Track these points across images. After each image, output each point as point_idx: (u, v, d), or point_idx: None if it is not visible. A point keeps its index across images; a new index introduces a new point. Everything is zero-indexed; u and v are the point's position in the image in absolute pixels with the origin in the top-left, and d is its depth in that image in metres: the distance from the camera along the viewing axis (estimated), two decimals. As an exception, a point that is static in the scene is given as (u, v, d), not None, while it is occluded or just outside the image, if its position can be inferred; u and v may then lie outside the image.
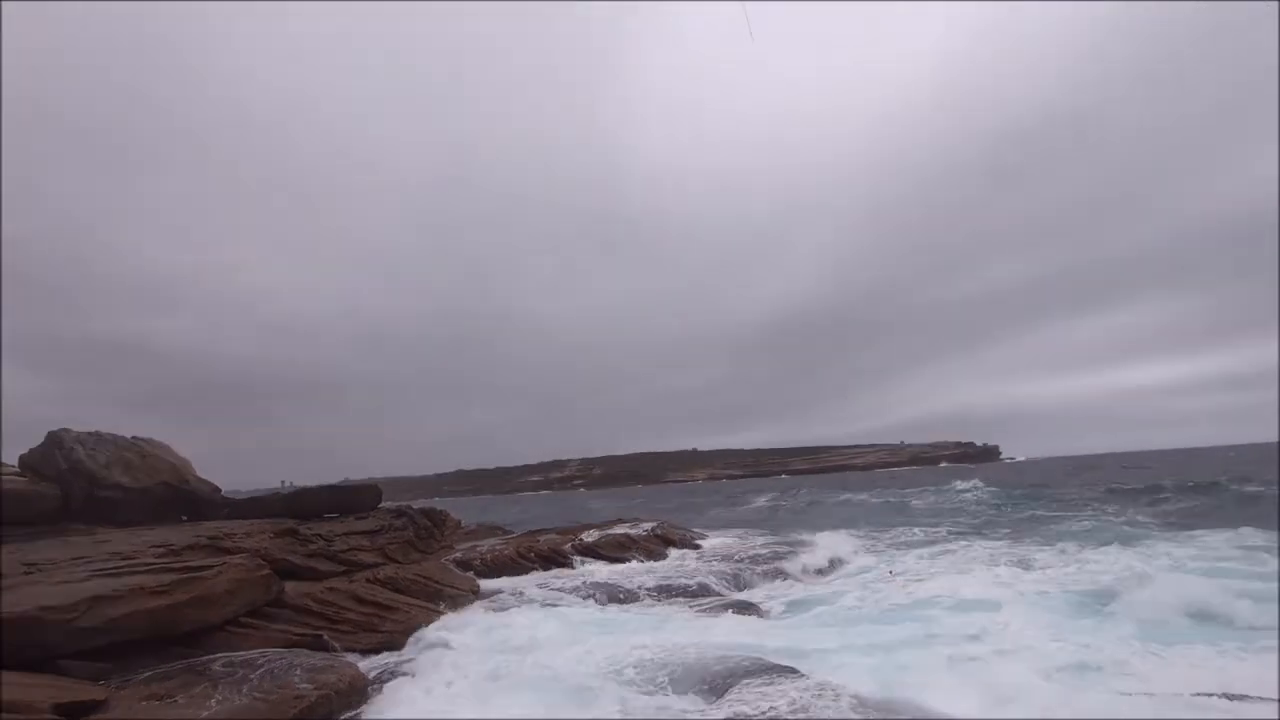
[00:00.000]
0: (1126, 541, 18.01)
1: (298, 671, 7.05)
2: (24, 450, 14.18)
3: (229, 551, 10.66)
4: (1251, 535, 16.66)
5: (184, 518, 15.78)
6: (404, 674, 8.10)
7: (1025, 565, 15.34)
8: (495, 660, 8.19)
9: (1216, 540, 16.84)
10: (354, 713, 6.59)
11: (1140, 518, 23.97)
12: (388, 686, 7.50)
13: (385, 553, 15.58)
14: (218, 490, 16.82)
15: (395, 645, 9.64)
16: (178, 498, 15.35)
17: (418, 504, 31.03)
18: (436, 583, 13.55)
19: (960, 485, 43.43)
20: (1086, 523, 23.22)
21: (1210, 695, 6.21)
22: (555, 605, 12.62)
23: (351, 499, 17.95)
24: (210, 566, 9.10)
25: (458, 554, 18.46)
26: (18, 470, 13.63)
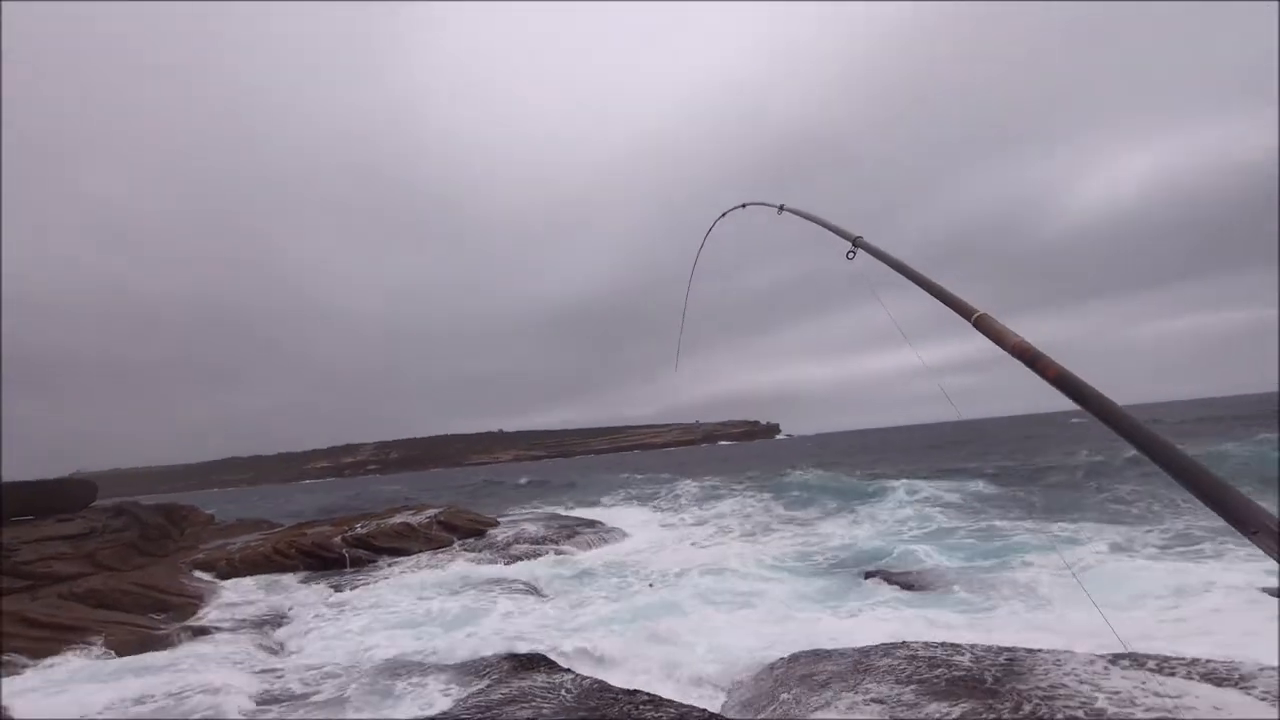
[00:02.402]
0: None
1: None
2: None
3: None
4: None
5: None
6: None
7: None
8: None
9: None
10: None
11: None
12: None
13: (95, 559, 13.11)
14: None
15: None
16: None
17: (161, 499, 26.86)
18: (159, 591, 11.60)
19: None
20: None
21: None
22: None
23: (52, 497, 14.88)
24: None
25: (200, 555, 16.11)
26: None
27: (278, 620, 10.48)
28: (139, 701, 6.32)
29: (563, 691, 5.80)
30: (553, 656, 7.39)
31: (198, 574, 14.31)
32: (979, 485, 21.20)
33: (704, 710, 5.16)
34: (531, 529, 20.48)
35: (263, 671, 7.41)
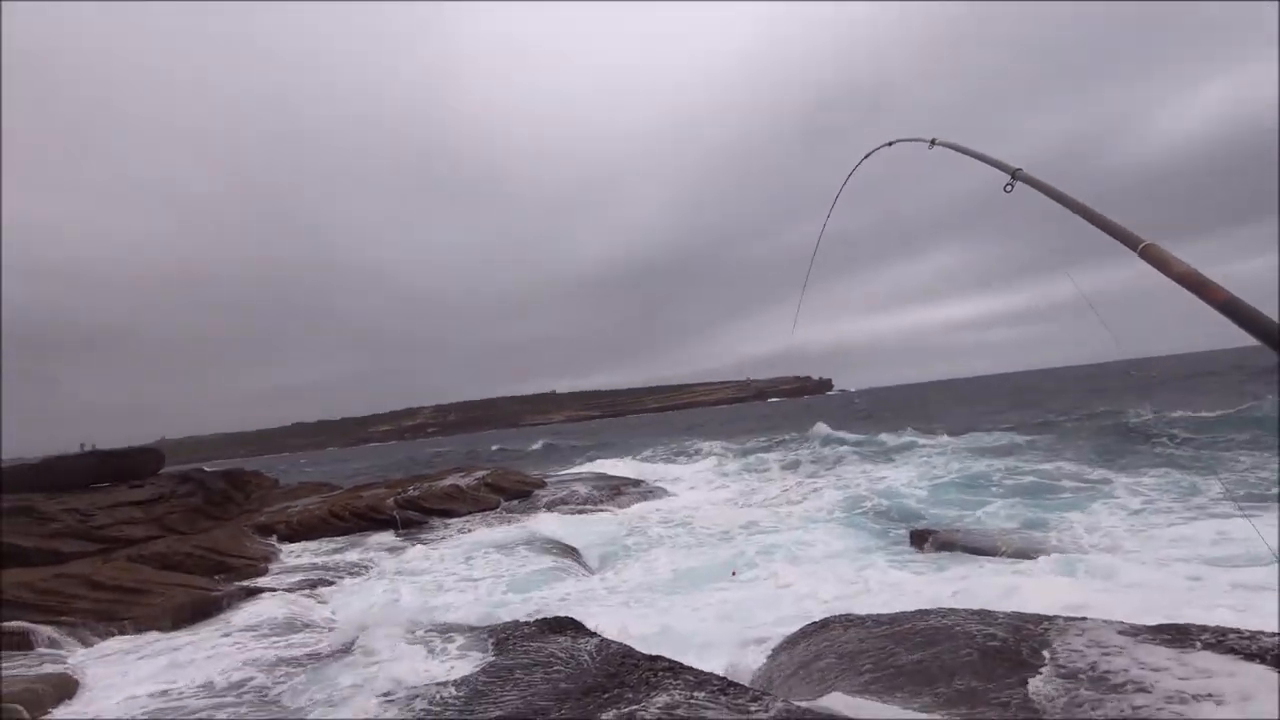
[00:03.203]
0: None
1: (-22, 682, 5.88)
2: None
3: (-79, 542, 8.82)
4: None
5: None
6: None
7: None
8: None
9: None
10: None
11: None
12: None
13: (164, 524, 13.87)
14: (-65, 465, 14.02)
15: (146, 629, 8.45)
16: None
17: (235, 463, 28.29)
18: (220, 554, 12.19)
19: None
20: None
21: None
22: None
23: (125, 465, 15.74)
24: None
25: (262, 518, 16.87)
26: None
27: (324, 581, 10.87)
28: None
29: (584, 655, 5.76)
30: (582, 619, 7.40)
31: (258, 537, 14.99)
32: (1026, 439, 20.33)
33: (723, 678, 5.03)
34: (578, 489, 20.71)
35: (296, 629, 7.68)
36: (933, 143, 3.24)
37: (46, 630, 7.68)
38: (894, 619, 6.08)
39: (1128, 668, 3.83)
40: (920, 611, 6.08)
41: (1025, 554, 8.56)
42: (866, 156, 4.35)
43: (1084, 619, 5.09)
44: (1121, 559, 7.76)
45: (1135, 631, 4.57)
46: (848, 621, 6.37)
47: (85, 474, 14.88)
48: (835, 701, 4.36)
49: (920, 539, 10.42)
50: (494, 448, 59.31)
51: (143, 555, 11.15)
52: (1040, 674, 4.05)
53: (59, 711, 5.58)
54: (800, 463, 22.88)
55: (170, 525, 13.85)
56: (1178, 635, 4.32)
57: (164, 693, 6.02)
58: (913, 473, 17.41)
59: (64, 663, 6.71)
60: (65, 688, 5.99)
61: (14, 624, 7.69)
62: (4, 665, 6.65)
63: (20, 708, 5.35)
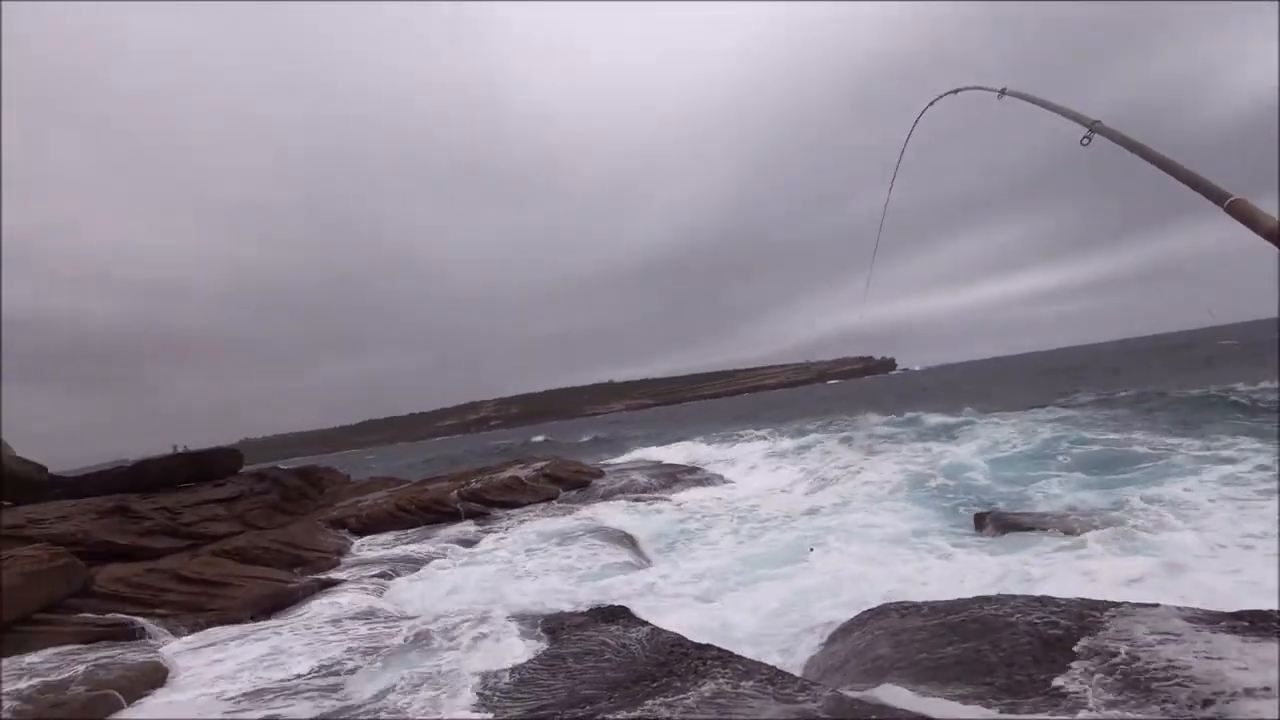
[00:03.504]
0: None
1: (82, 669, 6.40)
2: None
3: (31, 540, 9.61)
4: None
5: (5, 504, 14.21)
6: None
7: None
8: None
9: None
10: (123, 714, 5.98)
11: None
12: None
13: (244, 520, 14.67)
14: (43, 470, 15.18)
15: (230, 621, 9.01)
16: (-10, 483, 13.71)
17: (310, 460, 29.68)
18: (295, 547, 12.84)
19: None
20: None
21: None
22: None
23: (208, 465, 16.71)
24: (-5, 562, 8.11)
25: (334, 513, 17.67)
26: None
27: (394, 572, 11.32)
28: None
29: (634, 644, 5.84)
30: (637, 609, 7.49)
31: (331, 531, 15.72)
32: (1099, 412, 19.30)
33: (771, 666, 5.02)
34: (636, 478, 20.87)
35: (368, 619, 8.03)
36: (1002, 92, 3.05)
37: (141, 621, 8.28)
38: (951, 606, 5.91)
39: (1197, 659, 3.62)
40: (979, 598, 5.90)
41: (1092, 534, 8.16)
42: (931, 104, 4.12)
43: (1155, 605, 4.84)
44: (1199, 539, 7.31)
45: (1211, 619, 4.32)
46: (903, 609, 6.24)
47: (174, 474, 15.86)
48: (886, 692, 4.29)
49: (982, 520, 10.07)
50: (538, 439, 60.31)
51: (225, 550, 11.84)
52: (1102, 665, 3.88)
53: (151, 698, 6.01)
54: (857, 442, 22.38)
55: (250, 521, 14.66)
56: (1257, 623, 4.06)
57: (249, 680, 6.41)
58: (976, 449, 16.79)
59: (156, 652, 7.22)
60: (157, 675, 6.45)
61: (111, 616, 8.33)
62: (102, 654, 7.18)
63: (117, 694, 5.80)
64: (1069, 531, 8.50)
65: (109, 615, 8.28)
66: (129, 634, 8.02)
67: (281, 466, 20.24)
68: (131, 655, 6.84)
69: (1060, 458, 13.98)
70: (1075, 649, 4.19)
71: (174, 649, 7.51)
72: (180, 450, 17.44)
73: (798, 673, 5.39)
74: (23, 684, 6.08)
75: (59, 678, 6.21)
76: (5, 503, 14.27)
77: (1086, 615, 4.76)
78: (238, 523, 14.31)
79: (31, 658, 7.02)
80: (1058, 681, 3.87)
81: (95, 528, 11.00)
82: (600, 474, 22.61)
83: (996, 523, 9.78)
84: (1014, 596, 5.66)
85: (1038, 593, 5.70)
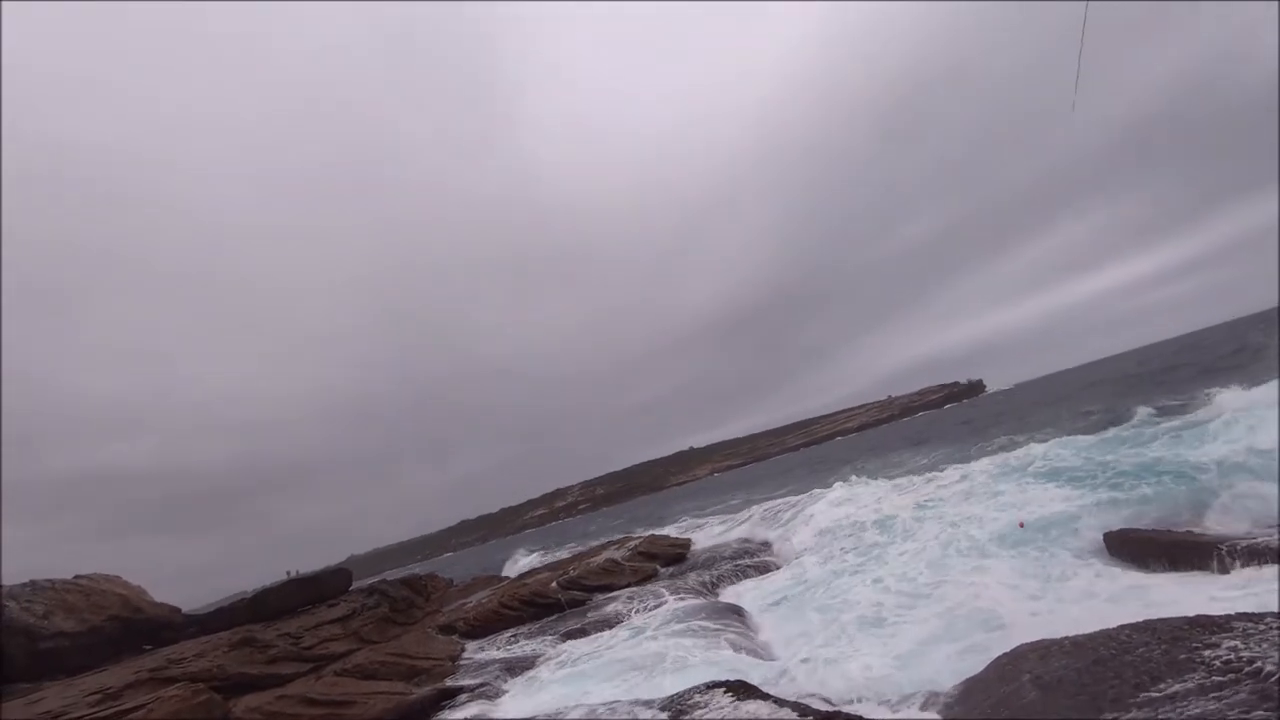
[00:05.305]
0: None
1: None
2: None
3: (172, 680, 10.16)
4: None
5: (146, 647, 15.14)
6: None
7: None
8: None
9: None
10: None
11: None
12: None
13: (360, 636, 15.06)
14: (178, 611, 16.18)
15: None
16: (132, 629, 14.69)
17: (410, 570, 30.40)
18: (410, 658, 13.06)
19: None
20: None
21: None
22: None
23: (320, 587, 17.40)
24: (145, 705, 8.63)
25: (443, 618, 17.93)
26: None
27: (509, 673, 11.32)
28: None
29: (759, 714, 5.63)
30: (754, 681, 7.24)
31: (441, 636, 15.92)
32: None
33: (910, 730, 4.73)
34: (727, 546, 20.46)
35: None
36: None
37: (278, 749, 8.55)
38: (1096, 639, 5.47)
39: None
40: (1126, 627, 5.45)
41: (1233, 551, 7.43)
42: None
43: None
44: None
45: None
46: (1042, 648, 5.81)
47: (290, 599, 16.59)
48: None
49: (1114, 543, 9.33)
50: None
51: (346, 669, 12.17)
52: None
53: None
54: (944, 478, 21.12)
55: (365, 637, 15.04)
56: None
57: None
58: (1086, 471, 15.61)
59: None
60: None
61: (252, 747, 8.63)
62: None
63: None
64: (1212, 553, 7.76)
65: (249, 746, 8.58)
66: (268, 763, 8.28)
67: (388, 579, 20.83)
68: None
69: (1180, 475, 12.77)
70: (1262, 674, 3.80)
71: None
72: (293, 575, 18.29)
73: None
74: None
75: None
76: (146, 646, 15.25)
77: (1253, 633, 4.33)
78: (354, 639, 14.71)
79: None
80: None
81: (227, 661, 11.53)
82: (691, 544, 22.31)
83: (1128, 546, 9.03)
84: (1164, 620, 5.19)
85: (1191, 613, 5.21)
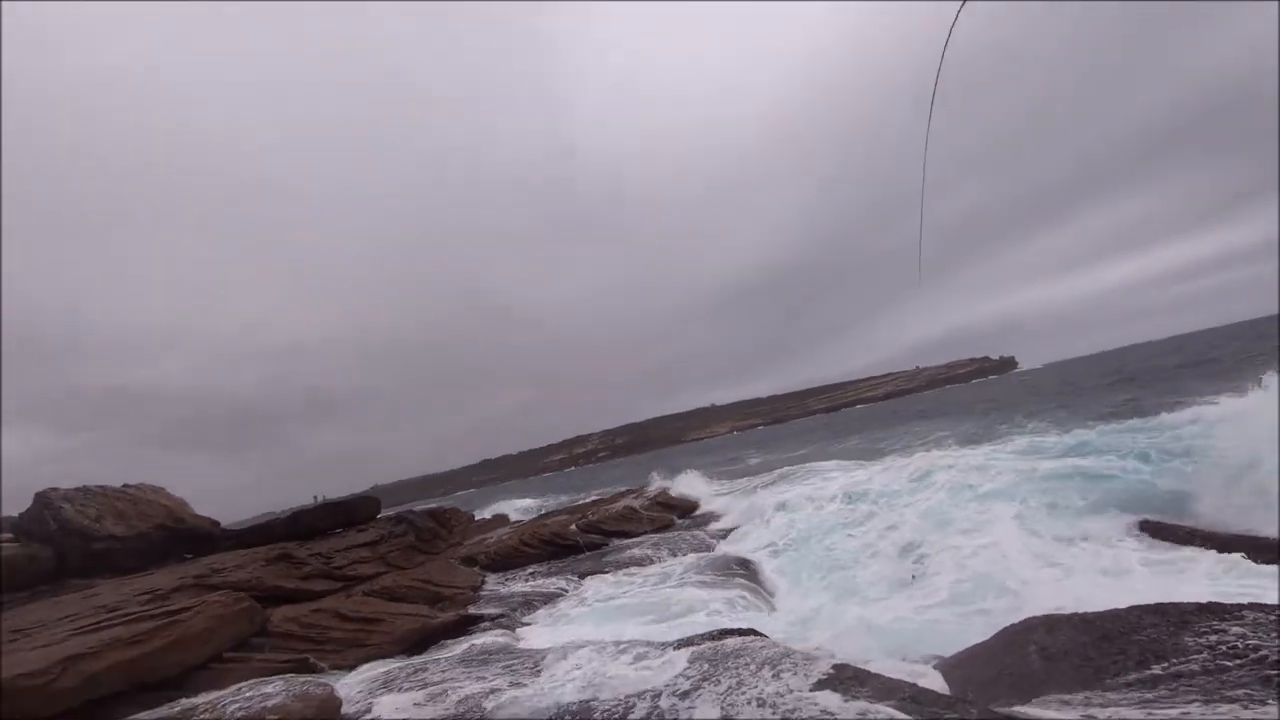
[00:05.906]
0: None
1: (272, 701, 7.16)
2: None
3: (215, 588, 10.82)
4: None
5: (187, 556, 16.06)
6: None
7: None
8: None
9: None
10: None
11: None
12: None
13: (387, 560, 15.78)
14: (217, 524, 17.05)
15: (385, 655, 9.76)
16: (176, 538, 15.57)
17: (430, 503, 31.53)
18: (435, 585, 13.70)
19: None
20: None
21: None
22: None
23: (351, 512, 18.14)
24: (191, 607, 9.24)
25: (465, 550, 18.66)
26: (12, 536, 13.86)
27: (530, 605, 11.85)
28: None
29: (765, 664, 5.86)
30: (764, 628, 7.52)
31: (464, 567, 16.60)
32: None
33: (913, 684, 4.93)
34: (738, 503, 20.83)
35: (513, 653, 8.48)
36: None
37: (313, 657, 9.14)
38: (1112, 617, 5.59)
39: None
40: (1142, 606, 5.55)
41: (1257, 544, 7.42)
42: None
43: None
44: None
45: None
46: (1051, 622, 5.95)
47: (323, 522, 17.34)
48: (1038, 710, 4.16)
49: (1137, 528, 9.36)
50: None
51: (375, 590, 12.81)
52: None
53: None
54: (974, 442, 21.11)
55: (392, 562, 15.75)
56: None
57: (415, 709, 6.95)
58: (1117, 448, 15.51)
59: (328, 686, 7.95)
60: (331, 706, 7.12)
61: (287, 653, 9.25)
62: (286, 687, 7.98)
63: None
64: (1229, 535, 7.76)
65: (285, 652, 9.19)
66: (307, 668, 8.87)
67: (414, 509, 21.62)
68: (312, 689, 7.57)
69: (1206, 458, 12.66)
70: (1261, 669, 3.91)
71: (345, 681, 8.23)
72: (321, 500, 19.09)
73: (939, 688, 5.27)
74: (230, 711, 6.87)
75: (255, 709, 6.97)
76: (187, 555, 16.17)
77: (1265, 621, 4.42)
78: (381, 564, 15.42)
79: (221, 692, 7.90)
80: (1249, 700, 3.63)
81: (264, 574, 12.21)
82: (708, 499, 22.71)
83: (1149, 523, 9.07)
84: (1180, 604, 5.28)
85: (1204, 599, 5.30)
